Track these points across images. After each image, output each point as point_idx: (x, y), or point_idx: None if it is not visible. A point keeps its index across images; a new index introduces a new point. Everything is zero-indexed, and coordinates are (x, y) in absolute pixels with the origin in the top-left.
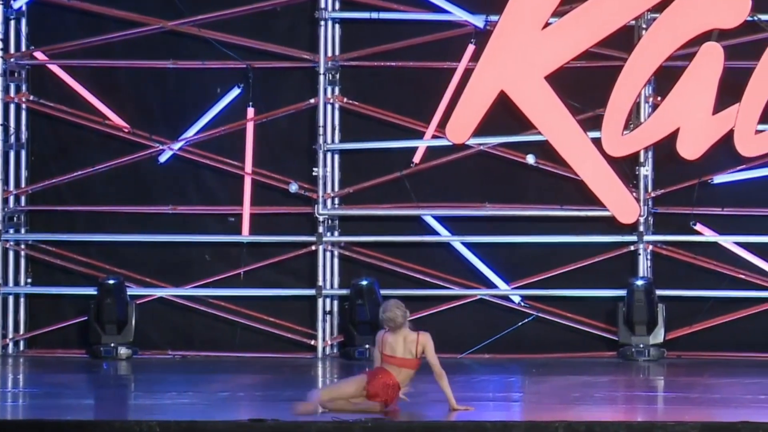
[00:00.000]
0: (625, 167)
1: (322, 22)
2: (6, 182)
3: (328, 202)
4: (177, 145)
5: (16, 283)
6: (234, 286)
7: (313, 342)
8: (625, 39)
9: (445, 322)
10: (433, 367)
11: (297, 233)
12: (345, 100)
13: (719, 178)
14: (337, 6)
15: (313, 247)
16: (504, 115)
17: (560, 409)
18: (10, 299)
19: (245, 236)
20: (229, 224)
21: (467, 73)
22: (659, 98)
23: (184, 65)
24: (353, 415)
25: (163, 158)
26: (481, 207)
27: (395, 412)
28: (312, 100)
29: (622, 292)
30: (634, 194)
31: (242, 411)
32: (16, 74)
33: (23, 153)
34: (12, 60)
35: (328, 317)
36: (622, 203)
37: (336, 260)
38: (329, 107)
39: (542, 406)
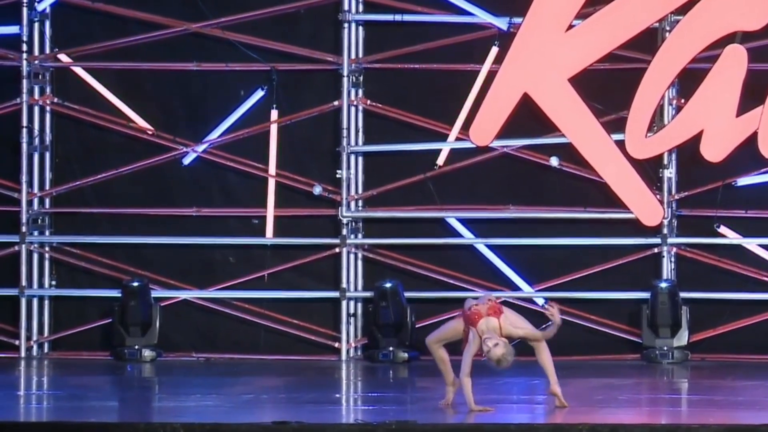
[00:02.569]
0: (649, 169)
1: (346, 25)
2: (30, 184)
3: (352, 204)
4: (201, 148)
5: (41, 285)
6: (258, 289)
7: (336, 344)
8: (648, 41)
9: None
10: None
11: (321, 235)
12: (369, 102)
13: (743, 181)
14: (360, 8)
15: (337, 250)
16: (527, 117)
17: (584, 411)
18: (35, 301)
19: (269, 238)
20: (253, 226)
21: (491, 76)
22: (683, 100)
23: (207, 67)
24: (381, 414)
25: (186, 160)
26: (505, 209)
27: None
28: (336, 103)
29: (645, 295)
30: (658, 196)
31: (266, 413)
32: (40, 76)
33: (47, 155)
34: (36, 62)
35: (351, 319)
36: (645, 205)
37: (360, 262)
38: (353, 109)
39: (566, 408)
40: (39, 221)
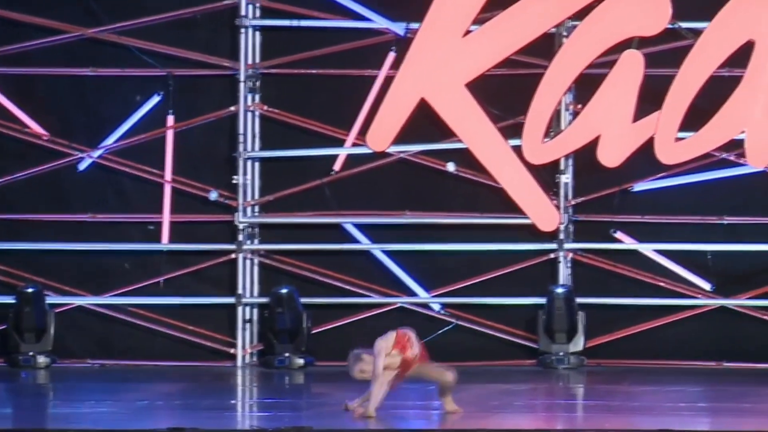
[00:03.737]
0: (546, 175)
1: (243, 30)
2: None
3: (248, 210)
4: (96, 153)
5: None
6: (153, 295)
7: (232, 350)
8: (546, 47)
9: (365, 330)
10: None
11: (217, 241)
12: (265, 107)
13: (639, 186)
14: (257, 13)
15: (233, 255)
16: (424, 122)
17: (480, 417)
18: None
19: (165, 244)
20: (149, 232)
21: (388, 81)
22: (580, 106)
23: (103, 73)
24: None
25: (82, 166)
26: (401, 215)
27: None
28: (232, 108)
29: (542, 300)
30: (555, 202)
31: (161, 419)
32: None
33: None
34: None
35: (247, 325)
36: (542, 211)
37: (256, 268)
38: (249, 115)
39: (462, 414)
40: None
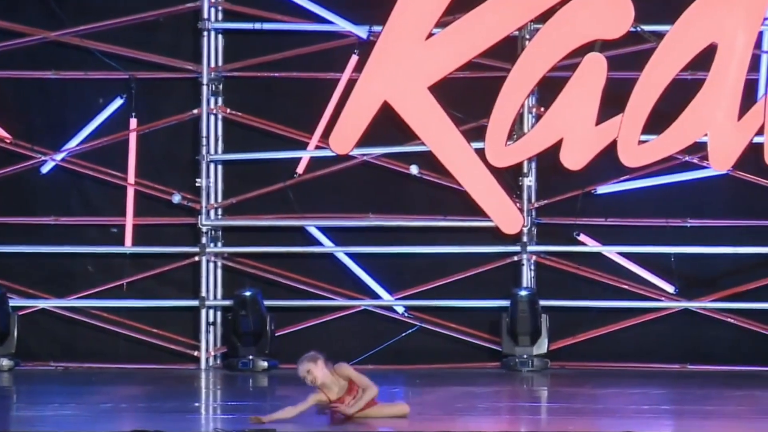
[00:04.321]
0: (509, 178)
1: (205, 33)
2: None
3: (212, 212)
4: (59, 156)
5: None
6: (117, 297)
7: (196, 353)
8: (508, 49)
9: (329, 332)
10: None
11: (180, 244)
12: (228, 110)
13: (602, 189)
14: (220, 16)
15: (197, 258)
16: (387, 125)
17: (444, 419)
18: None
19: (128, 247)
20: (112, 235)
21: (351, 84)
22: (542, 109)
23: (66, 76)
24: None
25: (45, 169)
26: (365, 217)
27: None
28: (195, 111)
29: (505, 303)
30: (518, 205)
31: (125, 422)
32: None
33: None
34: None
35: (211, 328)
36: (505, 214)
37: (219, 271)
38: (212, 118)
39: (426, 416)
40: None
